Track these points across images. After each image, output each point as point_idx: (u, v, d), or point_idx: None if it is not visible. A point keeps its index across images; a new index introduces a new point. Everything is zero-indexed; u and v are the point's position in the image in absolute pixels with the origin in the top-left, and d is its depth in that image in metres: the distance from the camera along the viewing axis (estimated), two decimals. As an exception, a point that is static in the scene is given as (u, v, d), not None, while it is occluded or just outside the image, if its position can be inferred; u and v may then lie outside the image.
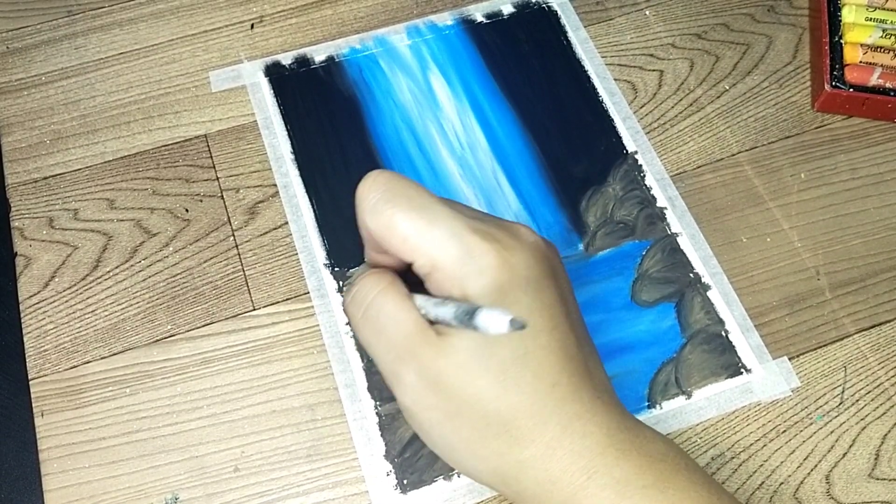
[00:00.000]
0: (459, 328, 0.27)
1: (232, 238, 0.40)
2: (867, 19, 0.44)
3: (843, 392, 0.37)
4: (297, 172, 0.41)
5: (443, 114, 0.43)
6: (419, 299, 0.28)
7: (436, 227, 0.27)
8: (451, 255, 0.27)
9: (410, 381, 0.28)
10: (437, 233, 0.27)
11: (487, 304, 0.26)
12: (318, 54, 0.45)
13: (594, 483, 0.27)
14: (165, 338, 0.38)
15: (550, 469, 0.27)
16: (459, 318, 0.26)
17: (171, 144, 0.42)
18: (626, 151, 0.42)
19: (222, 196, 0.41)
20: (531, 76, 0.44)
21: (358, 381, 0.36)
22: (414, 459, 0.35)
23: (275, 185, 0.41)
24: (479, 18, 0.46)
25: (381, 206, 0.28)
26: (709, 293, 0.38)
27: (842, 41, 0.44)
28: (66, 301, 0.38)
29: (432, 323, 0.28)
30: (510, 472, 0.28)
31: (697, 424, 0.36)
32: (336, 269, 0.39)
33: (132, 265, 0.39)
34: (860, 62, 0.43)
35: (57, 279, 0.39)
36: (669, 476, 0.27)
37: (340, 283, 0.38)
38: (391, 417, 0.36)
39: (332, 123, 0.43)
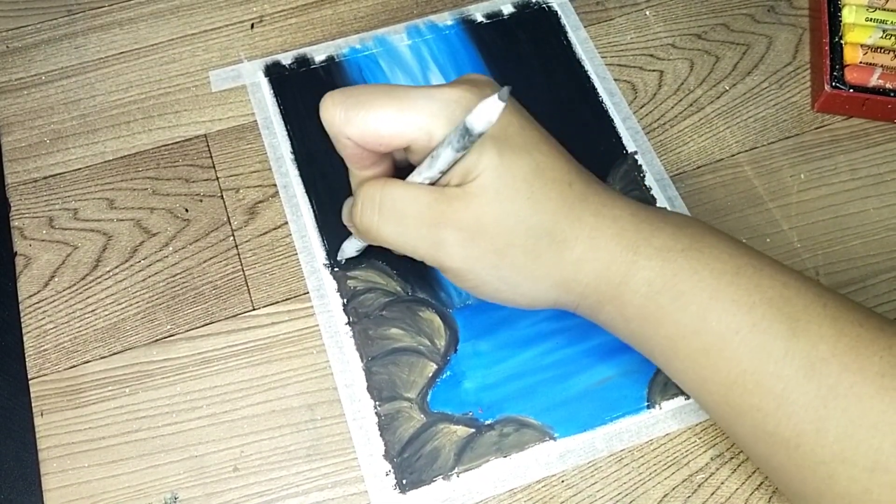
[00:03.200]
0: (469, 172, 0.29)
1: (232, 238, 0.40)
2: (867, 20, 0.44)
3: (842, 393, 0.37)
4: (296, 172, 0.41)
5: (443, 114, 0.43)
6: (416, 176, 0.30)
7: (405, 104, 0.29)
8: (431, 113, 0.29)
9: (453, 239, 0.29)
10: (409, 108, 0.29)
11: (489, 138, 0.29)
12: (318, 54, 0.45)
13: (641, 256, 0.29)
14: (165, 337, 0.38)
15: (601, 256, 0.30)
16: (457, 141, 0.27)
17: (171, 144, 0.42)
18: (626, 152, 0.42)
19: (222, 196, 0.41)
20: (531, 76, 0.44)
21: (357, 380, 0.36)
22: (413, 459, 0.35)
23: (275, 185, 0.41)
24: (479, 18, 0.46)
25: (352, 116, 0.29)
26: (708, 293, 0.38)
27: (842, 42, 0.44)
28: (66, 301, 0.38)
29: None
30: (570, 276, 0.30)
31: (697, 425, 0.36)
32: (336, 269, 0.39)
33: (132, 265, 0.39)
34: (860, 63, 0.43)
35: (57, 279, 0.39)
36: (700, 238, 0.30)
37: (340, 283, 0.39)
38: (390, 417, 0.36)
39: (332, 123, 0.43)
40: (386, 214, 0.30)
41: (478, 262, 0.30)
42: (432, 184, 0.30)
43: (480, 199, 0.29)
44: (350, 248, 0.38)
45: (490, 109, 0.26)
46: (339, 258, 0.39)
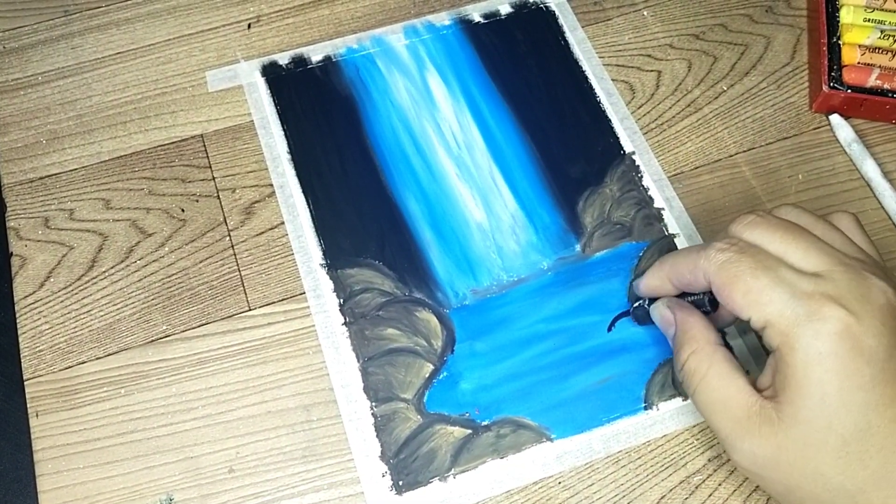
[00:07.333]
0: (792, 405, 0.27)
1: (228, 238, 0.40)
2: (865, 20, 0.44)
3: (840, 393, 0.37)
4: (293, 172, 0.41)
5: (440, 114, 0.43)
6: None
7: (777, 286, 0.28)
8: (787, 317, 0.27)
9: (747, 451, 0.28)
10: (777, 292, 0.27)
11: (819, 371, 0.27)
12: (315, 54, 0.45)
13: None
14: (161, 338, 0.37)
15: None
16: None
17: (168, 144, 0.42)
18: (624, 152, 0.42)
19: (218, 196, 0.41)
20: (529, 76, 0.44)
21: (353, 381, 0.36)
22: (409, 460, 0.35)
23: (271, 185, 0.41)
24: (477, 18, 0.46)
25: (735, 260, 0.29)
26: (706, 294, 0.38)
27: (840, 42, 0.44)
28: (62, 301, 0.38)
29: (760, 391, 0.29)
30: None
31: (695, 426, 0.36)
32: (332, 269, 0.39)
33: (128, 265, 0.39)
34: (858, 63, 0.43)
35: (52, 279, 0.39)
36: None
37: (336, 283, 0.38)
38: (387, 418, 0.35)
39: (329, 123, 0.43)
40: (701, 395, 0.30)
41: (764, 481, 0.29)
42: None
43: (787, 436, 0.27)
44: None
45: None
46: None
